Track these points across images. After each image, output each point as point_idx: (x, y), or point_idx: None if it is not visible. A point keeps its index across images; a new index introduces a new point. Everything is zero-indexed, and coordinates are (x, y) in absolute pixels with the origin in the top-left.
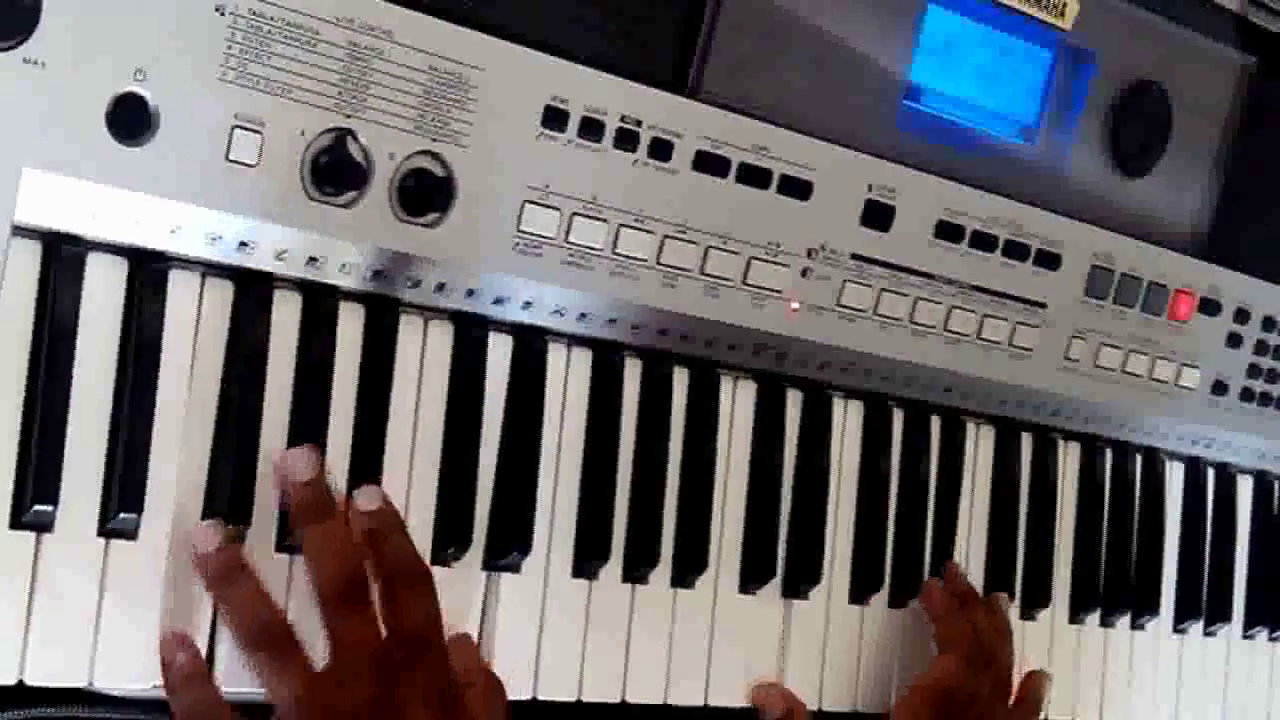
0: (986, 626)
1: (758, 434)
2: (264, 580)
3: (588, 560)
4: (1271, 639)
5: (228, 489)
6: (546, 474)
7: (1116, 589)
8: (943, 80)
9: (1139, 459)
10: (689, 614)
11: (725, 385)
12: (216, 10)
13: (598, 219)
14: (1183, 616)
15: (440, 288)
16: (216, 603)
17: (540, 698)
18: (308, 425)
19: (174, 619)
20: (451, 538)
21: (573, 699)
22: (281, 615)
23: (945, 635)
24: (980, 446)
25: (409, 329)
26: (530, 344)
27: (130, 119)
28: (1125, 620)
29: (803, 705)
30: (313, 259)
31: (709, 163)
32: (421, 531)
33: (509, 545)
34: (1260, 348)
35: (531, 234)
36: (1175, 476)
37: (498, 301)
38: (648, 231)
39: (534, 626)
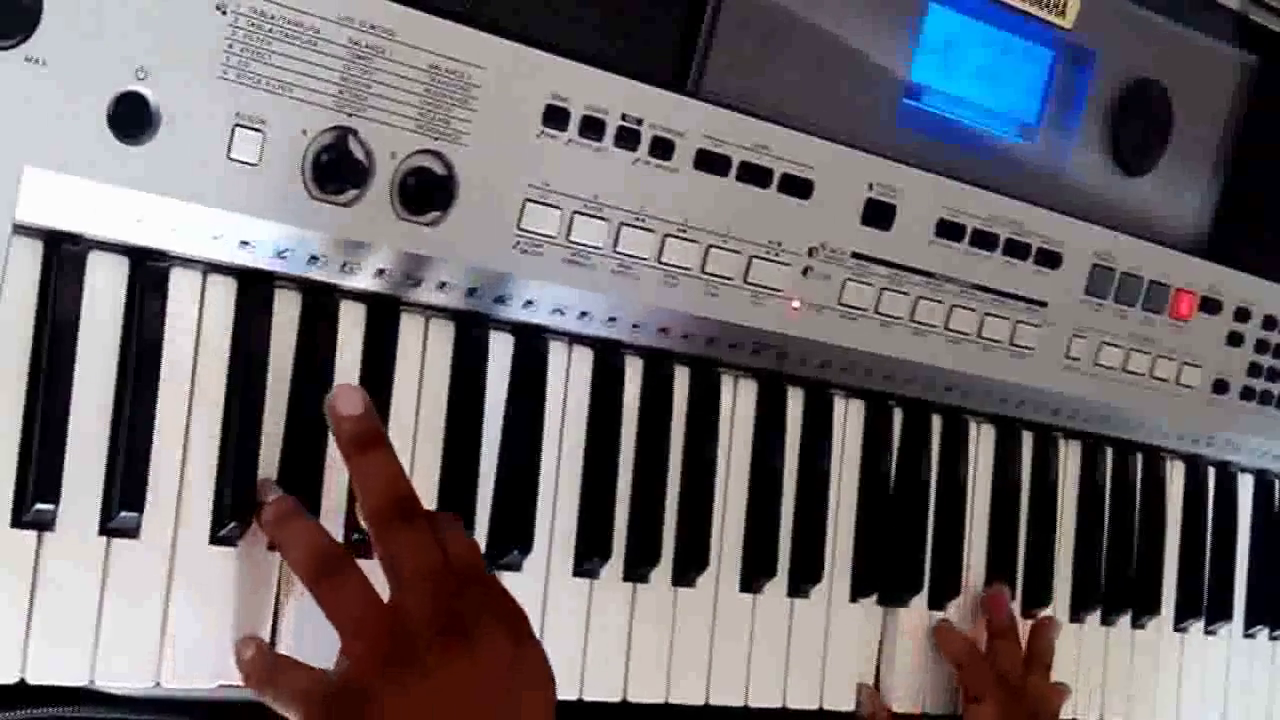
0: (1008, 665)
1: (758, 433)
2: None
3: (589, 559)
4: (1272, 638)
5: (229, 487)
6: (547, 473)
7: (1117, 588)
8: (943, 79)
9: (1140, 458)
10: (690, 613)
11: (726, 384)
12: (218, 9)
13: (599, 218)
14: (1183, 615)
15: (441, 286)
16: (276, 546)
17: None
18: (309, 424)
19: (181, 620)
20: None
21: (574, 698)
22: (338, 544)
23: (970, 683)
24: (981, 445)
25: (410, 327)
26: (531, 343)
27: (131, 118)
28: (1126, 619)
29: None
30: (314, 257)
31: (710, 161)
32: None
33: (510, 544)
34: (1261, 346)
35: (532, 233)
36: (1176, 475)
37: (498, 300)
38: (648, 230)
39: (535, 626)
